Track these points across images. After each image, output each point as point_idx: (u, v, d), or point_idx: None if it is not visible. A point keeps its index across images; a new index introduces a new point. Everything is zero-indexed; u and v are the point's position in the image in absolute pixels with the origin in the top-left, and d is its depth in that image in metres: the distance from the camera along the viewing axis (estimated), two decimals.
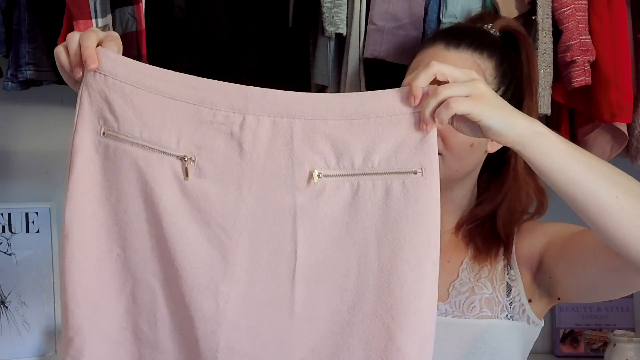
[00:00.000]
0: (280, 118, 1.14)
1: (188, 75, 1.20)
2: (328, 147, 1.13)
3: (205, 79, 1.19)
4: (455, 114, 1.12)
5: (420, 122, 1.12)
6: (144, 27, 1.90)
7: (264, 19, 2.04)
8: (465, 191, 1.52)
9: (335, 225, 1.14)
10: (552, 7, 1.86)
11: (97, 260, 1.18)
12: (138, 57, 1.89)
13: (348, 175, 1.13)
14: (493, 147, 1.47)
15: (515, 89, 1.49)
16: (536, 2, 1.84)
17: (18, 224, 2.29)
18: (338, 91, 1.99)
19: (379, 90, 1.14)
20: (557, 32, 1.85)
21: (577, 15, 1.85)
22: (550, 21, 1.85)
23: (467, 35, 1.47)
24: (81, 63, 1.19)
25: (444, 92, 1.11)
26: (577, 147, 1.20)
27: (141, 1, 1.90)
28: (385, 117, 1.13)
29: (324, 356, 1.15)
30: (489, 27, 1.54)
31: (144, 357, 1.19)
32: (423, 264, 1.12)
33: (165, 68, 1.95)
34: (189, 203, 1.16)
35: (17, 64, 1.99)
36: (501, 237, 1.48)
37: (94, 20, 1.87)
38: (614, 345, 2.26)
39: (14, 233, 2.31)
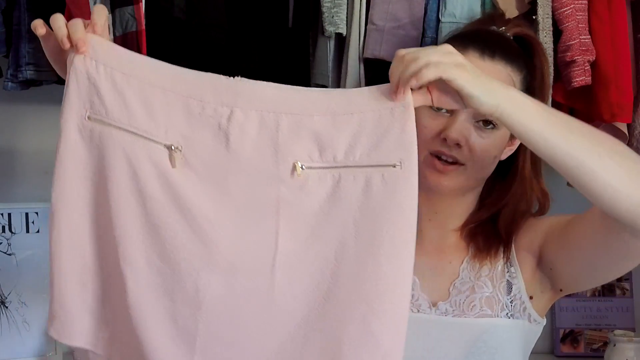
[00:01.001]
0: (268, 113, 1.18)
1: (178, 67, 1.22)
2: (312, 141, 1.17)
3: (196, 71, 1.22)
4: (435, 88, 1.15)
5: (396, 90, 1.15)
6: (144, 27, 1.90)
7: (264, 19, 2.04)
8: (475, 195, 1.52)
9: (316, 216, 1.17)
10: (552, 7, 1.86)
11: (81, 240, 1.20)
12: None
13: (330, 167, 1.17)
14: (505, 154, 1.48)
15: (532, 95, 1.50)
16: (536, 2, 1.85)
17: (18, 224, 2.29)
18: None
19: (364, 87, 1.18)
20: (557, 32, 1.86)
21: (577, 15, 1.85)
22: (550, 21, 1.85)
23: (500, 45, 1.46)
24: (69, 37, 1.18)
25: (426, 57, 1.13)
26: (555, 110, 1.22)
27: (141, 1, 1.90)
28: (368, 112, 1.17)
29: (301, 341, 1.18)
30: (504, 30, 1.53)
31: (122, 337, 1.21)
32: (399, 255, 1.15)
33: None
34: (174, 191, 1.18)
35: (17, 64, 1.99)
36: (502, 236, 1.49)
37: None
38: (614, 345, 2.26)
39: (14, 233, 2.31)
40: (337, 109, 1.17)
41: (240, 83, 1.21)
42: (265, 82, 1.21)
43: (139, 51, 1.90)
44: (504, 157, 1.49)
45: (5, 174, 2.37)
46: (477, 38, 1.47)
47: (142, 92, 1.19)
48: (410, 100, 1.17)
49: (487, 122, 1.40)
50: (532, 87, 1.47)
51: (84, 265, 1.21)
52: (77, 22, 1.20)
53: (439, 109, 1.41)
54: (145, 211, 1.19)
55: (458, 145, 1.40)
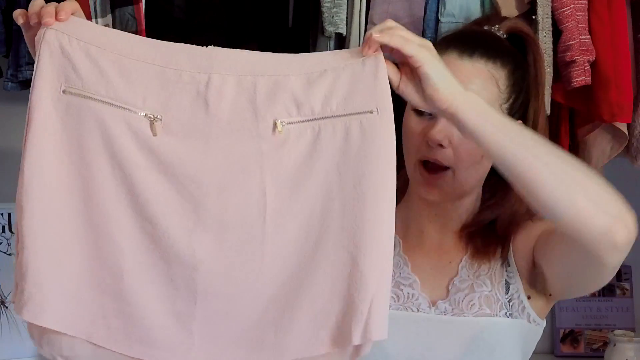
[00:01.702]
0: (245, 76, 1.21)
1: (151, 39, 1.26)
2: (289, 99, 1.21)
3: (170, 42, 1.24)
4: (405, 71, 1.20)
5: (367, 45, 1.21)
6: (144, 27, 1.90)
7: (264, 19, 2.04)
8: (473, 197, 1.50)
9: (300, 169, 1.21)
10: (552, 7, 1.86)
11: (57, 216, 1.19)
12: None
13: (309, 120, 1.21)
14: None
15: (525, 94, 1.48)
16: (536, 2, 1.85)
17: None
18: None
19: (338, 50, 1.28)
20: (557, 32, 1.85)
21: (577, 15, 1.85)
22: (550, 21, 1.85)
23: (480, 43, 1.45)
24: (51, 14, 1.19)
25: (402, 30, 1.19)
26: (511, 119, 1.26)
27: (141, 1, 1.90)
28: (342, 67, 1.22)
29: (293, 289, 1.22)
30: (496, 29, 1.53)
31: (107, 310, 1.21)
32: (382, 197, 1.20)
33: None
34: (157, 158, 1.20)
35: (17, 64, 1.99)
36: (500, 236, 1.48)
37: (94, 20, 1.87)
38: (614, 345, 2.26)
39: (14, 233, 2.31)
40: (311, 68, 1.22)
41: (215, 50, 1.24)
42: (239, 50, 1.25)
43: None
44: None
45: (5, 174, 2.36)
46: (457, 38, 1.47)
47: (118, 63, 1.21)
48: (381, 54, 1.22)
49: None
50: (522, 82, 1.46)
51: (62, 242, 1.19)
52: (50, 3, 1.22)
53: (421, 113, 1.41)
54: (131, 180, 1.20)
55: (441, 146, 1.39)
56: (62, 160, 1.20)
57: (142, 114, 1.20)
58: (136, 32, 1.90)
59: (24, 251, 1.18)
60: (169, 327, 1.22)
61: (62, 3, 1.22)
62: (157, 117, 1.20)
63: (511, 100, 1.44)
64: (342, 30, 1.95)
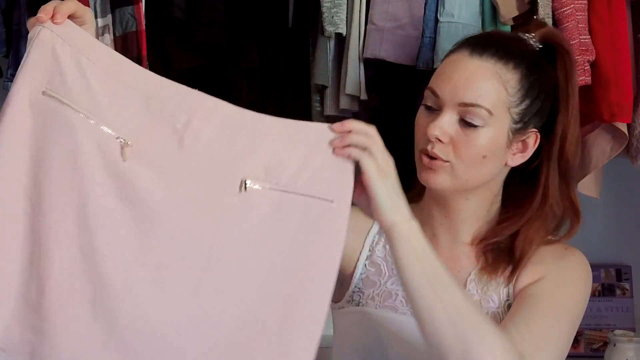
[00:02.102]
0: (224, 128, 1.23)
1: (147, 70, 1.28)
2: (261, 161, 1.23)
3: (164, 78, 1.25)
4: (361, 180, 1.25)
5: (337, 149, 1.25)
6: (144, 27, 1.90)
7: (264, 19, 2.04)
8: (483, 201, 1.47)
9: (253, 232, 1.23)
10: (552, 7, 1.86)
11: (3, 214, 1.18)
12: (138, 57, 1.89)
13: (274, 189, 1.24)
14: (514, 161, 1.44)
15: (544, 103, 1.44)
16: (536, 2, 1.84)
17: None
18: (338, 91, 1.99)
19: (314, 123, 1.30)
20: None
21: (577, 15, 1.85)
22: (550, 21, 1.84)
23: (494, 43, 1.43)
24: (48, 13, 1.20)
25: (366, 141, 1.25)
26: (437, 263, 1.27)
27: (141, 1, 1.90)
28: (316, 147, 1.25)
29: (225, 333, 1.23)
30: (531, 36, 1.49)
31: (26, 320, 1.19)
32: (322, 282, 1.24)
33: (166, 68, 1.97)
34: (120, 182, 1.20)
35: (17, 64, 1.97)
36: (515, 256, 1.44)
37: (94, 20, 1.87)
38: (614, 345, 2.26)
39: None
40: (289, 137, 1.25)
41: (201, 95, 1.25)
42: (221, 100, 1.25)
43: (139, 51, 1.90)
44: (513, 163, 1.44)
45: None
46: (475, 37, 1.48)
47: (104, 81, 1.21)
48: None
49: (468, 122, 1.38)
50: (540, 90, 1.43)
51: (3, 238, 1.18)
52: (51, 2, 1.22)
53: (429, 108, 1.41)
54: (86, 197, 1.19)
55: (439, 141, 1.39)
56: (24, 160, 1.18)
57: (115, 136, 1.20)
58: (136, 32, 1.90)
59: None
60: (81, 352, 1.19)
61: (61, 3, 1.22)
62: (128, 143, 1.20)
63: (523, 106, 1.41)
64: (342, 30, 1.95)
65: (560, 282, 1.41)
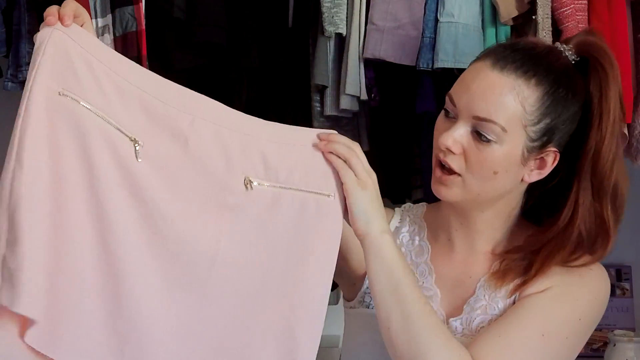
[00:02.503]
0: (224, 129, 1.29)
1: (151, 72, 1.31)
2: (259, 160, 1.31)
3: (167, 80, 1.30)
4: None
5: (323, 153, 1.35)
6: (144, 27, 1.90)
7: (264, 19, 2.04)
8: (500, 213, 1.44)
9: (255, 226, 1.30)
10: (552, 7, 1.86)
11: (28, 217, 1.19)
12: (138, 57, 1.89)
13: (272, 186, 1.31)
14: (531, 177, 1.39)
15: (569, 121, 1.39)
16: (536, 2, 1.85)
17: None
18: (338, 91, 1.99)
19: (303, 127, 1.37)
20: (557, 32, 1.86)
21: (577, 15, 1.85)
22: (550, 21, 1.85)
23: (519, 56, 1.37)
24: (55, 15, 1.22)
25: (346, 152, 1.32)
26: (407, 266, 1.33)
27: (141, 1, 1.90)
28: (309, 146, 1.34)
29: (231, 332, 1.29)
30: (568, 48, 1.42)
31: (66, 303, 1.22)
32: (323, 271, 1.31)
33: (165, 68, 1.97)
34: (133, 181, 1.24)
35: (17, 64, 1.99)
36: (530, 270, 1.40)
37: (94, 20, 1.87)
38: (614, 345, 2.26)
39: None
40: (283, 138, 1.33)
41: (202, 97, 1.30)
42: (217, 102, 1.31)
43: (139, 51, 1.90)
44: (530, 180, 1.40)
45: None
46: (502, 47, 1.41)
47: (115, 81, 1.25)
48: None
49: (481, 135, 1.36)
50: (570, 111, 1.38)
51: (34, 247, 1.20)
52: (69, 4, 1.24)
53: (447, 113, 1.39)
54: (102, 195, 1.22)
55: (451, 151, 1.37)
56: (44, 159, 1.20)
57: (129, 136, 1.24)
58: (136, 32, 1.90)
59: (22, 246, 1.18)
60: (98, 344, 1.22)
61: (64, 6, 1.23)
62: (140, 143, 1.25)
63: (542, 124, 1.36)
64: (342, 30, 1.95)
65: (561, 296, 1.37)
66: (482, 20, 1.93)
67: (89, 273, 1.22)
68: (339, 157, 1.33)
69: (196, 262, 1.27)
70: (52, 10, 1.23)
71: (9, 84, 2.01)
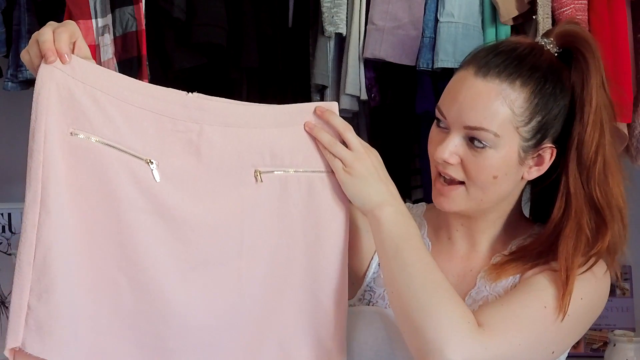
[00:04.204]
0: (229, 127, 1.33)
1: (149, 84, 1.33)
2: (265, 149, 1.35)
3: (165, 88, 1.31)
4: None
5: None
6: (144, 27, 1.90)
7: (264, 19, 2.04)
8: (500, 213, 1.45)
9: (271, 214, 1.35)
10: (552, 7, 1.86)
11: (58, 263, 1.21)
12: (138, 57, 1.89)
13: (279, 172, 1.36)
14: (530, 175, 1.40)
15: (560, 114, 1.38)
16: (536, 2, 1.85)
17: (18, 224, 2.29)
18: (338, 91, 1.99)
19: (303, 104, 1.40)
20: None
21: (577, 15, 1.85)
22: (550, 21, 1.85)
23: (500, 61, 1.37)
24: (54, 52, 1.21)
25: (327, 141, 1.36)
26: (411, 232, 1.35)
27: (141, 1, 1.90)
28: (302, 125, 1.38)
29: (263, 324, 1.35)
30: (549, 41, 1.42)
31: (102, 346, 1.25)
32: (339, 243, 1.38)
33: (165, 68, 1.98)
34: (158, 202, 1.28)
35: (17, 64, 1.99)
36: (527, 265, 1.40)
37: (94, 20, 1.87)
38: (614, 345, 2.26)
39: (14, 233, 2.31)
40: (282, 122, 1.36)
41: (203, 100, 1.33)
42: (218, 98, 1.34)
43: (139, 51, 1.90)
44: (530, 177, 1.40)
45: (5, 174, 2.37)
46: (482, 52, 1.39)
47: (121, 109, 1.26)
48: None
49: (474, 140, 1.37)
50: (559, 105, 1.38)
51: (78, 282, 1.23)
52: (46, 32, 1.22)
53: (439, 123, 1.40)
54: (134, 224, 1.25)
55: (448, 163, 1.38)
56: (66, 203, 1.22)
57: (143, 158, 1.27)
58: (136, 32, 1.90)
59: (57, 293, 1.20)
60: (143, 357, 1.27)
61: (60, 39, 1.22)
62: (152, 162, 1.28)
63: (533, 123, 1.36)
64: (342, 30, 1.95)
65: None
66: (482, 20, 1.93)
67: (128, 310, 1.25)
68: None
69: (227, 263, 1.32)
70: (48, 45, 1.21)
71: (9, 83, 2.01)
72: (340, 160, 1.36)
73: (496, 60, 1.37)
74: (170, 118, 1.29)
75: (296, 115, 1.37)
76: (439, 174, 1.39)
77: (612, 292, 2.48)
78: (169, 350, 1.27)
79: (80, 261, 1.22)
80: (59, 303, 1.19)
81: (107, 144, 1.24)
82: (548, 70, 1.38)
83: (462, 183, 1.37)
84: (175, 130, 1.30)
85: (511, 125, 1.34)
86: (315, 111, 1.37)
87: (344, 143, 1.37)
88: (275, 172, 1.35)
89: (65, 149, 1.22)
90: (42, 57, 1.21)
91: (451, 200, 1.39)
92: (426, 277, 1.31)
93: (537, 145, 1.37)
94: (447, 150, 1.36)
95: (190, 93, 1.32)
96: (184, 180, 1.30)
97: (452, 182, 1.38)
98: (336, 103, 1.40)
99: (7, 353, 1.19)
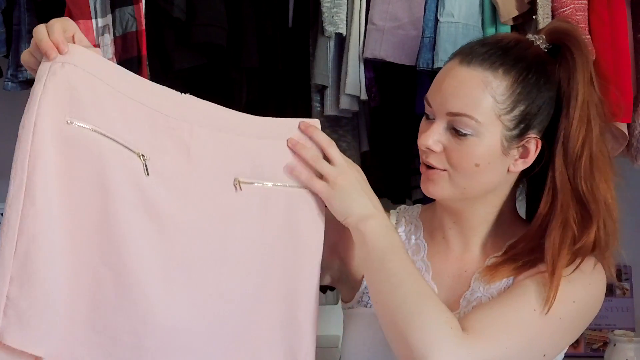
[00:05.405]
0: (219, 132, 1.34)
1: (145, 80, 1.34)
2: (248, 159, 1.36)
3: (160, 86, 1.32)
4: None
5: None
6: (144, 27, 1.90)
7: (264, 19, 2.04)
8: (491, 208, 1.45)
9: (252, 224, 1.36)
10: (552, 7, 1.86)
11: (41, 251, 1.20)
12: (138, 57, 1.90)
13: (260, 184, 1.37)
14: (516, 167, 1.40)
15: (545, 106, 1.39)
16: (536, 2, 1.85)
17: None
18: (338, 91, 1.99)
19: (288, 119, 1.41)
20: None
21: (577, 15, 1.85)
22: (550, 21, 1.85)
23: (484, 50, 1.39)
24: (53, 47, 1.22)
25: (310, 157, 1.38)
26: (395, 244, 1.36)
27: (141, 1, 1.90)
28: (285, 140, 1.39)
29: (242, 326, 1.35)
30: (539, 37, 1.44)
31: (80, 339, 1.25)
32: (315, 257, 1.39)
33: (165, 68, 1.98)
34: (145, 197, 1.27)
35: (17, 64, 1.99)
36: (523, 265, 1.40)
37: (94, 20, 1.87)
38: (614, 345, 2.26)
39: None
40: (270, 133, 1.38)
41: (194, 101, 1.34)
42: (209, 102, 1.35)
43: (139, 51, 1.90)
44: (516, 169, 1.40)
45: (5, 174, 2.37)
46: (467, 45, 1.42)
47: (117, 99, 1.26)
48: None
49: (457, 130, 1.37)
50: (543, 96, 1.39)
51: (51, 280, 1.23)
52: (55, 26, 1.24)
53: (427, 116, 1.41)
54: (120, 217, 1.24)
55: (432, 151, 1.38)
56: (54, 190, 1.21)
57: (136, 152, 1.27)
58: (136, 32, 1.90)
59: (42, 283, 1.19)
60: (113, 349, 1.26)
61: (54, 29, 1.22)
62: (146, 158, 1.28)
63: (516, 112, 1.37)
64: (342, 30, 1.95)
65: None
66: (482, 20, 1.93)
67: (108, 305, 1.24)
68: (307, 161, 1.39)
69: (209, 266, 1.32)
70: (45, 43, 1.22)
71: (9, 84, 2.01)
72: (324, 176, 1.37)
73: (481, 49, 1.39)
74: (164, 115, 1.29)
75: (280, 129, 1.39)
76: (424, 163, 1.41)
77: (612, 292, 2.49)
78: (145, 349, 1.26)
79: (64, 252, 1.21)
80: (40, 294, 1.18)
81: (102, 134, 1.24)
82: (533, 61, 1.40)
83: (443, 170, 1.39)
84: (167, 127, 1.30)
85: (493, 112, 1.36)
86: (299, 126, 1.39)
87: (326, 159, 1.38)
88: (255, 184, 1.36)
89: (60, 138, 1.21)
90: (44, 55, 1.22)
91: (436, 183, 1.40)
92: (410, 286, 1.31)
93: (521, 135, 1.38)
94: (431, 138, 1.38)
95: (183, 94, 1.32)
96: (172, 178, 1.30)
97: (435, 169, 1.39)
98: (318, 120, 1.42)
99: None
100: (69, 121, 1.22)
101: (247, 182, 1.35)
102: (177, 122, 1.30)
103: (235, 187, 1.35)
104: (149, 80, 1.33)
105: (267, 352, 1.37)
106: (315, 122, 1.41)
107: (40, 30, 1.24)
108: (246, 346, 1.35)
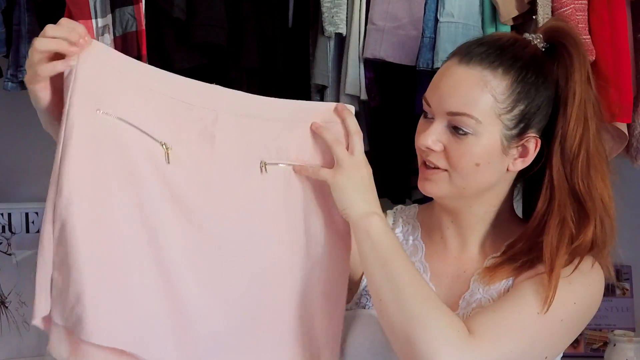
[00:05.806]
0: (243, 117, 1.36)
1: (163, 70, 1.36)
2: (274, 142, 1.38)
3: (183, 77, 1.34)
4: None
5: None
6: (144, 27, 1.90)
7: (264, 19, 2.04)
8: (489, 207, 1.45)
9: (278, 207, 1.38)
10: (552, 7, 1.86)
11: (75, 237, 1.22)
12: (138, 57, 1.89)
13: (285, 164, 1.38)
14: (515, 166, 1.40)
15: (544, 105, 1.40)
16: (536, 2, 1.85)
17: (18, 224, 2.29)
18: (338, 91, 1.99)
19: (313, 102, 1.48)
20: None
21: (577, 15, 1.85)
22: None
23: (483, 50, 1.39)
24: (74, 43, 1.23)
25: (338, 148, 1.38)
26: (395, 244, 1.36)
27: (141, 1, 1.90)
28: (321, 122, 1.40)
29: (266, 310, 1.37)
30: (536, 37, 1.44)
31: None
32: (344, 232, 1.40)
33: (165, 68, 1.97)
34: (169, 185, 1.30)
35: (17, 64, 1.99)
36: (522, 266, 1.39)
37: (94, 20, 1.87)
38: (614, 345, 2.26)
39: (14, 233, 2.31)
40: (293, 117, 1.39)
41: (219, 89, 1.37)
42: (235, 90, 1.38)
43: (139, 51, 1.90)
44: (515, 169, 1.41)
45: (6, 174, 2.37)
46: (465, 45, 1.42)
47: (140, 92, 1.29)
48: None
49: (457, 129, 1.37)
50: (542, 96, 1.39)
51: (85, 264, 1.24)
52: (67, 25, 1.25)
53: (426, 115, 1.41)
54: (144, 203, 1.27)
55: (432, 150, 1.38)
56: (86, 177, 1.24)
57: (159, 141, 1.29)
58: (136, 32, 1.90)
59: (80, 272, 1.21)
60: (157, 338, 1.28)
61: (69, 28, 1.23)
62: (169, 147, 1.30)
63: (516, 111, 1.37)
64: (342, 30, 1.95)
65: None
66: (482, 20, 1.93)
67: (147, 290, 1.27)
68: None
69: (238, 253, 1.35)
70: (63, 45, 1.23)
71: (9, 84, 2.01)
72: (337, 161, 1.37)
73: (479, 49, 1.39)
74: (189, 104, 1.32)
75: (308, 113, 1.40)
76: (424, 162, 1.40)
77: (612, 292, 2.49)
78: (178, 337, 1.28)
79: (101, 239, 1.24)
80: (77, 277, 1.20)
81: (128, 123, 1.27)
82: (530, 60, 1.40)
83: (444, 169, 1.38)
84: (190, 115, 1.32)
85: (493, 112, 1.36)
86: (335, 107, 1.40)
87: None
88: (280, 165, 1.37)
89: (90, 127, 1.24)
90: (73, 46, 1.23)
91: (434, 183, 1.40)
92: (414, 288, 1.31)
93: (521, 134, 1.38)
94: (430, 138, 1.38)
95: (209, 84, 1.35)
96: (196, 166, 1.32)
97: (435, 169, 1.39)
98: (354, 107, 1.42)
99: (37, 322, 1.25)
100: (99, 109, 1.25)
101: (272, 163, 1.37)
102: (202, 112, 1.33)
103: (261, 169, 1.36)
104: (170, 72, 1.35)
105: (289, 341, 1.38)
106: (351, 108, 1.42)
107: (58, 27, 1.24)
108: (270, 333, 1.37)
